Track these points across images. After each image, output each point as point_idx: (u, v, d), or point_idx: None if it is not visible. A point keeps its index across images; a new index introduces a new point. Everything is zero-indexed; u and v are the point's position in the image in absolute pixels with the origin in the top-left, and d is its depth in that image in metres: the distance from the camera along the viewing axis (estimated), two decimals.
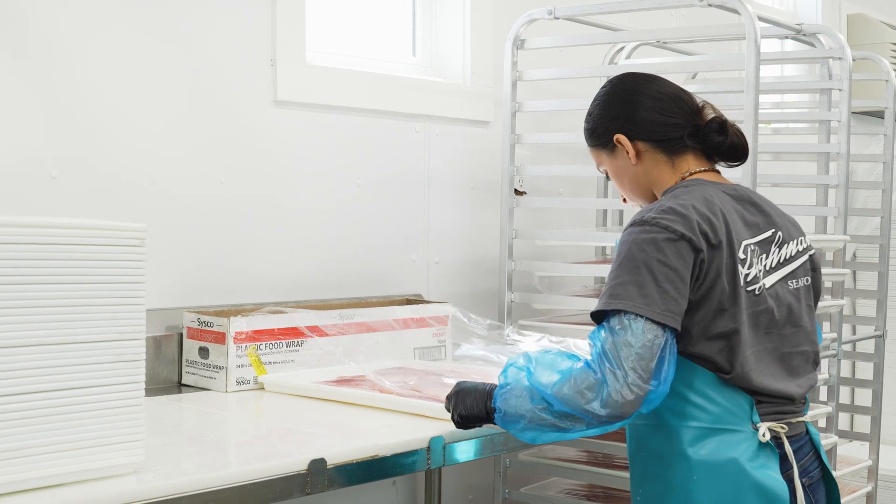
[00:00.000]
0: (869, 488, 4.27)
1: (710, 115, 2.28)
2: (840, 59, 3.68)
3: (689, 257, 2.06)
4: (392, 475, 2.30)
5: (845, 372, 4.97)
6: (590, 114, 2.36)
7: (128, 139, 2.87)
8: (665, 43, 3.83)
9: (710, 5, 3.10)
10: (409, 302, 3.38)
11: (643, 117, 2.26)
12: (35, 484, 1.81)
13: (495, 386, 2.19)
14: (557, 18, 3.41)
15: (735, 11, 3.07)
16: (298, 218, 3.26)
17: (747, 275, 2.12)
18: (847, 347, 4.02)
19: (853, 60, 3.71)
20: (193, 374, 2.86)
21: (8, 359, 1.78)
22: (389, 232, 3.52)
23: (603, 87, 2.37)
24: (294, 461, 2.09)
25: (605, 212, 3.98)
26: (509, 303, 3.49)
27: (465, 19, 3.72)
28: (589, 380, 2.03)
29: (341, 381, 2.76)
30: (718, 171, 2.31)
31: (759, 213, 2.24)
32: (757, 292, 2.14)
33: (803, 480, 2.17)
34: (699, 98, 2.32)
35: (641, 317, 2.01)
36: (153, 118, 2.92)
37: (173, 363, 2.91)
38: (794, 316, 2.23)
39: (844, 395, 4.95)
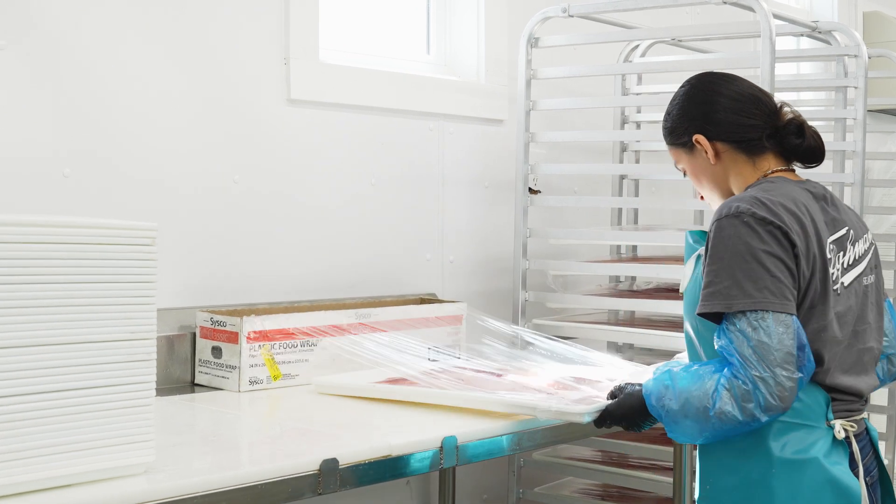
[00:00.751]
0: None
1: (788, 115, 2.29)
2: (856, 56, 3.66)
3: (788, 246, 2.06)
4: (404, 475, 2.29)
5: None
6: (668, 113, 2.37)
7: (141, 138, 2.87)
8: (680, 41, 3.83)
9: (725, 3, 3.09)
10: (423, 301, 3.37)
11: (722, 118, 2.27)
12: (46, 484, 1.80)
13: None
14: (572, 16, 3.40)
15: (750, 9, 3.05)
16: (312, 217, 3.25)
17: (832, 273, 2.13)
18: None
19: (869, 58, 3.69)
20: (206, 373, 2.85)
21: (18, 358, 1.78)
22: (403, 231, 3.51)
23: (682, 87, 2.38)
24: (306, 461, 2.08)
25: (619, 210, 3.97)
26: (523, 302, 3.48)
27: (479, 17, 3.72)
28: (742, 389, 2.02)
29: (394, 381, 2.70)
30: (794, 171, 2.32)
31: (834, 210, 2.23)
32: (839, 291, 2.15)
33: (866, 479, 2.18)
34: (777, 99, 2.33)
35: (767, 311, 2.02)
36: (166, 117, 2.92)
37: (186, 363, 2.91)
38: (865, 313, 2.24)
39: None
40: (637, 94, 3.83)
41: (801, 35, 3.73)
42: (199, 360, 2.87)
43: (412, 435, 2.32)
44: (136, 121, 2.86)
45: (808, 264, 2.08)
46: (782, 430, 2.11)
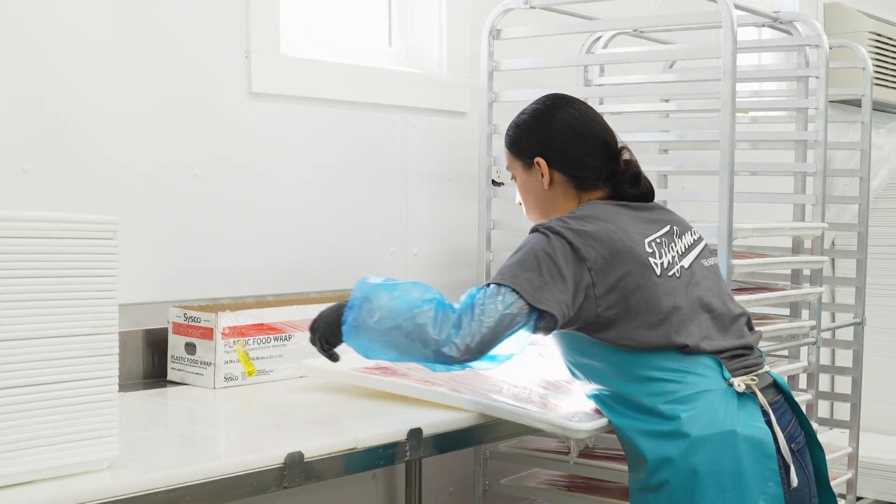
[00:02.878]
0: (850, 475, 4.28)
1: (625, 161, 2.45)
2: (817, 46, 3.67)
3: (574, 260, 2.25)
4: (370, 468, 2.28)
5: (825, 360, 4.97)
6: (517, 125, 2.52)
7: (103, 132, 2.84)
8: (642, 32, 3.82)
9: None
10: None
11: (568, 152, 2.44)
12: (6, 481, 1.78)
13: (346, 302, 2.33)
14: (533, 8, 3.40)
15: (712, 0, 3.05)
16: (275, 210, 3.23)
17: (662, 263, 2.31)
18: (826, 335, 4.01)
19: (830, 48, 3.70)
20: (180, 370, 2.82)
21: None
22: (367, 224, 3.49)
23: (541, 104, 2.49)
24: (270, 455, 2.06)
25: None
26: None
27: (441, 9, 3.70)
28: (450, 318, 2.20)
29: (385, 370, 2.67)
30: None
31: (652, 214, 2.42)
32: (677, 274, 2.33)
33: (791, 446, 2.31)
34: (620, 140, 2.49)
35: (516, 294, 2.20)
36: (128, 111, 2.89)
37: (157, 359, 2.88)
38: (721, 286, 2.44)
39: (824, 382, 4.95)
40: (600, 84, 3.83)
41: (763, 26, 3.73)
42: (172, 357, 2.83)
43: (378, 427, 2.30)
44: (97, 115, 2.83)
45: (612, 267, 2.26)
46: (689, 398, 2.27)
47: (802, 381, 3.77)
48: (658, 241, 2.35)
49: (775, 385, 2.43)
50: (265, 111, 3.19)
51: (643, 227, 2.36)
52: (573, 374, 2.48)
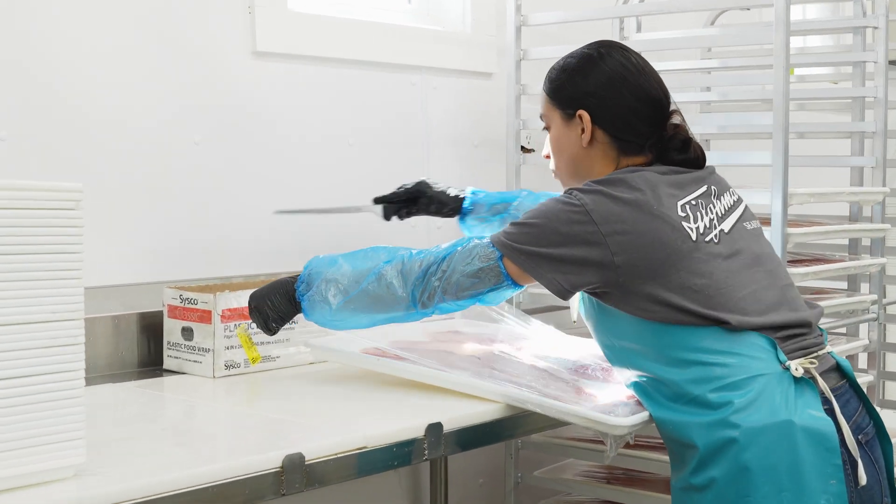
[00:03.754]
0: None
1: (675, 123, 2.25)
2: None
3: (589, 233, 2.09)
4: (382, 470, 2.01)
5: (890, 337, 4.72)
6: (563, 68, 2.29)
7: (89, 96, 2.63)
8: None
9: None
10: None
11: (618, 112, 2.22)
12: None
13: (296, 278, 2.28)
14: None
15: None
16: (283, 180, 3.04)
17: (697, 228, 2.11)
18: (892, 310, 3.75)
19: None
20: (176, 357, 2.60)
21: None
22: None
23: (594, 49, 2.28)
24: (266, 458, 1.80)
25: None
26: None
27: None
28: (414, 271, 2.17)
29: (398, 355, 2.44)
30: None
31: (687, 174, 2.21)
32: (717, 240, 2.13)
33: (858, 437, 2.10)
34: (673, 102, 2.28)
35: (501, 260, 2.13)
36: (117, 72, 2.68)
37: (154, 345, 2.68)
38: (766, 251, 2.24)
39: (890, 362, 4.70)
40: (637, 41, 3.56)
41: None
42: (168, 343, 2.62)
43: (392, 422, 2.06)
44: (82, 77, 2.61)
45: (638, 235, 2.08)
46: (740, 384, 2.06)
47: (862, 361, 3.57)
48: (693, 202, 2.15)
49: (838, 368, 2.20)
50: (271, 72, 3.00)
51: (675, 189, 2.16)
52: (609, 358, 2.29)
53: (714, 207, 2.17)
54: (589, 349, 2.50)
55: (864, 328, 3.47)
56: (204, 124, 2.86)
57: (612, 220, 2.09)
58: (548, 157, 2.36)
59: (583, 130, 2.23)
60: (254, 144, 2.97)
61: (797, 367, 2.08)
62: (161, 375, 2.58)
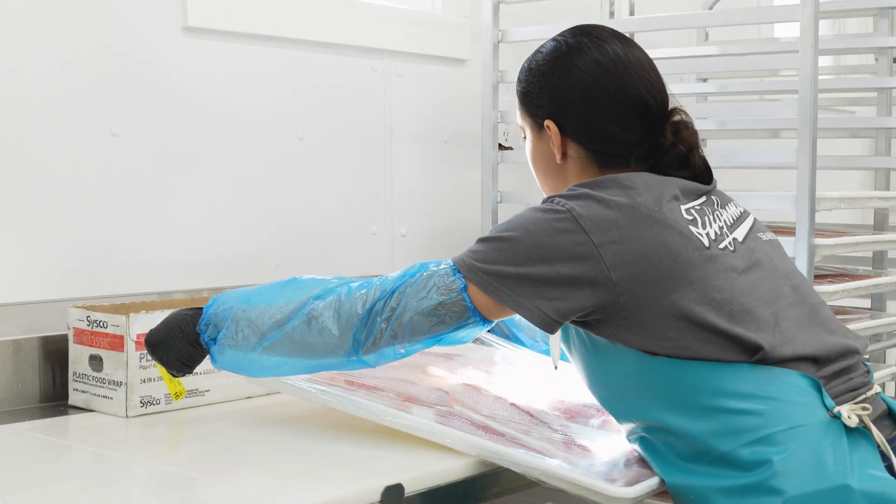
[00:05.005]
0: None
1: (676, 122, 1.95)
2: None
3: (577, 245, 1.78)
4: None
5: None
6: (530, 68, 2.03)
7: None
8: None
9: None
10: None
11: (592, 121, 1.94)
12: None
13: (200, 312, 2.01)
14: None
15: None
16: (220, 181, 2.84)
17: (707, 233, 1.85)
18: None
19: None
20: (83, 391, 2.31)
21: None
22: (341, 197, 3.14)
23: (563, 42, 1.99)
24: None
25: None
26: None
27: None
28: (356, 311, 1.87)
29: (350, 381, 2.19)
30: None
31: (683, 182, 1.93)
32: (732, 248, 1.86)
33: None
34: (673, 99, 1.99)
35: (465, 284, 1.82)
36: (24, 51, 2.45)
37: (60, 375, 2.41)
38: (789, 266, 1.97)
39: None
40: (627, 18, 3.39)
41: None
42: (74, 374, 2.33)
43: (340, 484, 1.72)
44: None
45: (638, 242, 1.78)
46: (779, 437, 1.73)
47: (890, 390, 3.37)
48: (697, 208, 1.89)
49: (890, 414, 1.88)
50: (206, 52, 2.79)
51: (672, 196, 1.91)
52: (608, 409, 1.96)
53: (720, 217, 1.91)
54: (576, 384, 2.17)
55: (892, 353, 3.31)
56: (123, 113, 2.65)
57: (605, 228, 1.78)
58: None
59: (553, 143, 1.99)
60: (183, 138, 2.77)
61: (850, 414, 1.76)
62: (66, 413, 2.29)
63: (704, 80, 3.49)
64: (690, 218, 1.85)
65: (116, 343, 2.23)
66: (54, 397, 2.38)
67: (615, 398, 1.90)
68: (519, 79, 2.06)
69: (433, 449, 1.89)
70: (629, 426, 1.89)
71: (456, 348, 2.39)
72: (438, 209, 3.42)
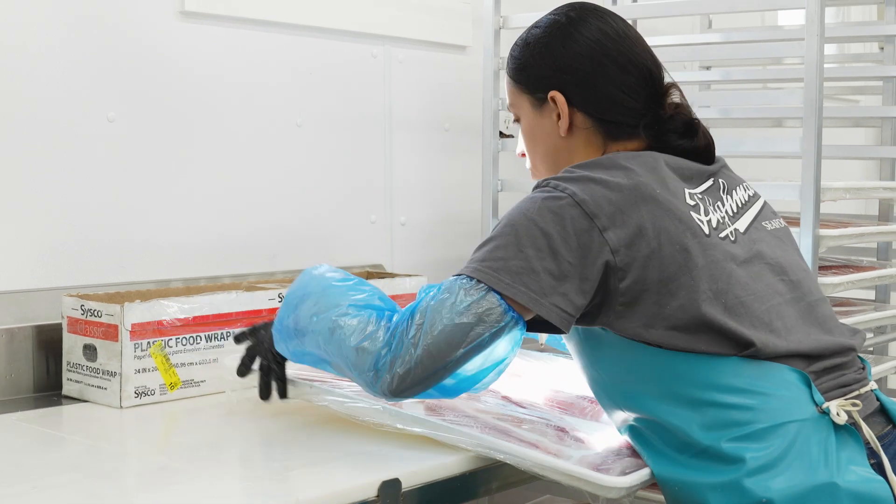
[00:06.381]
0: None
1: (674, 100, 1.93)
2: None
3: (581, 228, 1.74)
4: None
5: None
6: (527, 42, 1.98)
7: None
8: None
9: None
10: (369, 276, 2.92)
11: (600, 87, 1.91)
12: None
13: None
14: None
15: None
16: (217, 168, 2.80)
17: (709, 221, 1.82)
18: None
19: None
20: (77, 381, 2.27)
21: None
22: (340, 185, 3.11)
23: (562, 14, 1.98)
24: None
25: None
26: None
27: None
28: (379, 336, 1.76)
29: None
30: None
31: (688, 163, 1.91)
32: (733, 238, 1.83)
33: None
34: (668, 76, 1.97)
35: (484, 286, 1.73)
36: (18, 37, 2.41)
37: (54, 365, 2.37)
38: (793, 257, 1.94)
39: None
40: (630, 5, 3.38)
41: None
42: (68, 363, 2.30)
43: (336, 479, 1.70)
44: None
45: (639, 225, 1.74)
46: (763, 433, 1.70)
47: (892, 382, 3.35)
48: (700, 195, 1.86)
49: (883, 411, 1.85)
50: (203, 37, 2.76)
51: (679, 174, 1.89)
52: (597, 395, 1.93)
53: (724, 205, 1.88)
54: (574, 370, 2.14)
55: (893, 346, 3.25)
56: (120, 98, 2.62)
57: (608, 211, 1.74)
58: (523, 155, 2.08)
59: (559, 116, 1.92)
60: (179, 124, 2.74)
61: (838, 410, 1.74)
62: (60, 403, 2.25)
63: (708, 68, 3.48)
64: (693, 203, 1.82)
65: (111, 332, 2.20)
66: (48, 387, 2.36)
67: (605, 387, 1.87)
68: (512, 56, 2.01)
69: (431, 444, 1.86)
70: (621, 416, 1.87)
71: None
72: (438, 197, 3.40)
